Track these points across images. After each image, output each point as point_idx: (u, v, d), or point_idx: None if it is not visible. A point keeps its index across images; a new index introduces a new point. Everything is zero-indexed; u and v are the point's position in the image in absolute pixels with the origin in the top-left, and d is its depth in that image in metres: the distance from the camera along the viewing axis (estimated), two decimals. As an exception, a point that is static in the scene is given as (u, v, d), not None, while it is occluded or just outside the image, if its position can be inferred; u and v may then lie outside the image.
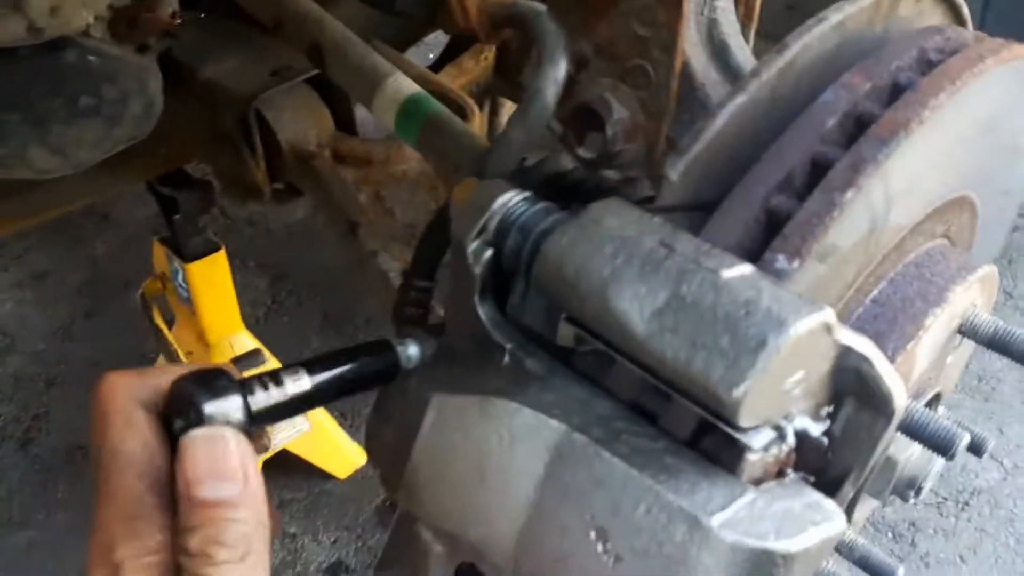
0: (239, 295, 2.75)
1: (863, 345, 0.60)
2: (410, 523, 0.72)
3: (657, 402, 0.63)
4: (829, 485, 0.64)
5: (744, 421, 0.55)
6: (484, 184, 0.69)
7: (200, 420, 0.58)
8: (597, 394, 0.63)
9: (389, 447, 0.69)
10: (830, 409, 0.63)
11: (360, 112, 1.69)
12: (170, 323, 1.94)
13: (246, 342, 1.91)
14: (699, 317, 0.56)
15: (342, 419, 2.28)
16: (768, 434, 0.58)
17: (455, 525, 0.65)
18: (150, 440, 0.58)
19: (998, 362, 2.56)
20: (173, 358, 1.77)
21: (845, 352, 0.60)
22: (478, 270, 0.67)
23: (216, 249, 1.76)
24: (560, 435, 0.60)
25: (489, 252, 0.67)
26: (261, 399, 0.62)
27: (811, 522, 0.56)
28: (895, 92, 0.70)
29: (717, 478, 0.57)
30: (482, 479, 0.62)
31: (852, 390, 0.62)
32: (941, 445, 0.73)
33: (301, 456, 2.10)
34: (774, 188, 0.65)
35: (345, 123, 1.59)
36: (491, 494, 0.62)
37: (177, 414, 0.59)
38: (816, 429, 0.61)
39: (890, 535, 2.19)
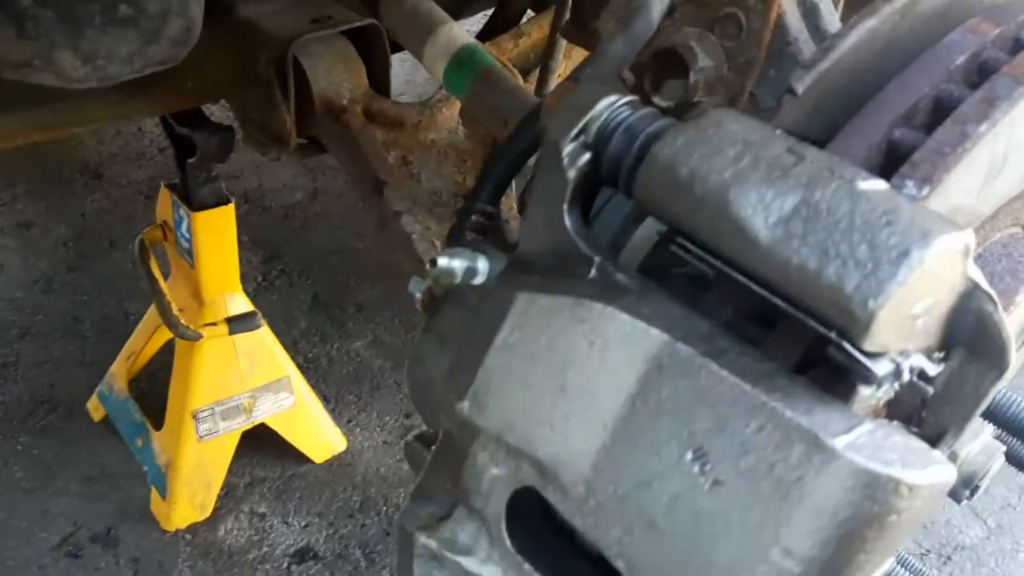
0: (229, 268, 2.67)
1: (988, 286, 0.56)
2: (462, 444, 0.66)
3: (756, 331, 0.59)
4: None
5: (873, 340, 0.51)
6: (586, 86, 0.65)
7: None
8: (695, 314, 0.58)
9: (453, 351, 0.63)
10: (941, 355, 0.59)
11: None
12: (165, 277, 1.86)
13: (241, 304, 1.84)
14: (833, 225, 0.52)
15: (325, 403, 2.20)
16: (888, 365, 0.54)
17: (524, 440, 0.59)
18: None
19: (987, 420, 2.55)
20: (166, 311, 1.69)
21: (970, 290, 0.56)
22: (572, 174, 0.63)
23: (226, 202, 1.70)
24: (661, 345, 0.54)
25: (587, 156, 0.63)
26: None
27: (933, 461, 0.51)
28: (1017, 46, 0.67)
29: (832, 405, 0.52)
30: (563, 388, 0.57)
31: (965, 338, 0.58)
32: (1022, 430, 0.70)
33: (280, 433, 2.01)
34: (898, 120, 0.61)
35: (380, 83, 1.54)
36: (571, 406, 0.57)
37: None
38: (932, 369, 0.56)
39: (874, 578, 2.14)
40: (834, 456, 0.48)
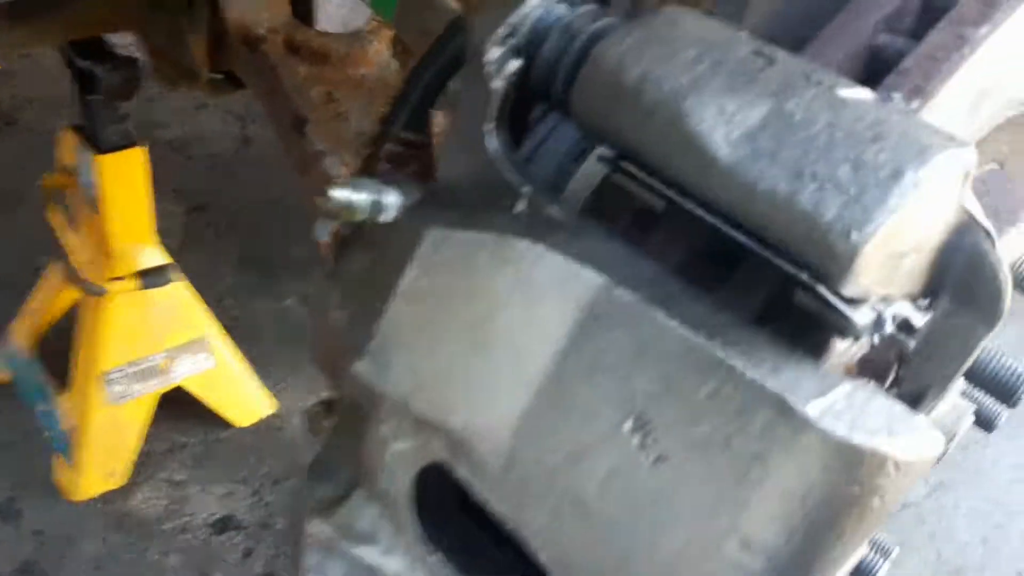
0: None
1: (985, 220, 0.47)
2: (362, 414, 0.56)
3: (713, 275, 0.49)
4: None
5: (855, 283, 0.41)
6: (514, -20, 0.54)
7: None
8: (640, 255, 0.48)
9: (355, 300, 0.52)
10: (926, 303, 0.50)
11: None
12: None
13: (155, 256, 1.69)
14: (808, 140, 0.42)
15: (253, 364, 2.07)
16: (869, 314, 0.44)
17: (432, 406, 0.48)
18: None
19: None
20: (64, 262, 1.54)
21: (964, 224, 0.47)
22: (498, 84, 0.52)
23: (134, 143, 1.54)
24: (597, 289, 0.44)
25: (516, 63, 0.52)
26: None
27: (921, 429, 0.43)
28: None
29: (802, 363, 0.43)
30: (481, 343, 0.47)
31: (954, 282, 0.49)
32: (1004, 389, 0.62)
33: (199, 397, 1.88)
34: (880, 23, 0.51)
35: (303, 12, 1.40)
36: (490, 364, 0.47)
37: None
38: (918, 319, 0.47)
39: (817, 540, 2.12)
40: (806, 426, 0.39)
